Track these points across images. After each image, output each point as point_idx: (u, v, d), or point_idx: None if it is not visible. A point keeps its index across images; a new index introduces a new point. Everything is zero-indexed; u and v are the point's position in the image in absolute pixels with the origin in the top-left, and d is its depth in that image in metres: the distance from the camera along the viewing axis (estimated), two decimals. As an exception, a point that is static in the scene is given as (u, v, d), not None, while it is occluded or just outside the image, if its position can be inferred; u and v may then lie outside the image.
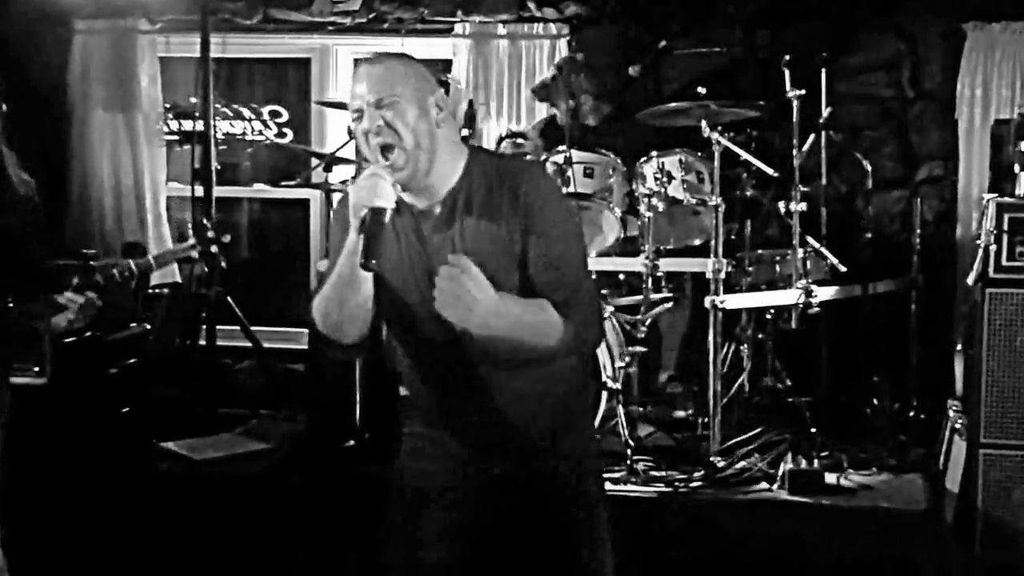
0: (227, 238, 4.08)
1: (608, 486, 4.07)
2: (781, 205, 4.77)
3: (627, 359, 4.56)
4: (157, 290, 5.67)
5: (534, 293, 2.48)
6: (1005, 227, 3.86)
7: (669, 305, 4.90)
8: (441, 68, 6.05)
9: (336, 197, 5.25)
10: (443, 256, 2.39)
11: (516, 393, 2.58)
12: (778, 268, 4.89)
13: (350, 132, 4.77)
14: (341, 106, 5.48)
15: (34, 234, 3.29)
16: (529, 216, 2.48)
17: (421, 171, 2.47)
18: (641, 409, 4.68)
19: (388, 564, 2.64)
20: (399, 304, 2.57)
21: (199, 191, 5.55)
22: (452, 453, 2.64)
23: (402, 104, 2.45)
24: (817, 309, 4.65)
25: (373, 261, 2.35)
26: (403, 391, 2.73)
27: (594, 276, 4.67)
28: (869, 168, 5.26)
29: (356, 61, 2.60)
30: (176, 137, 6.16)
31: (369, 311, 2.51)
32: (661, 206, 4.66)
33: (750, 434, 4.55)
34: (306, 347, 5.46)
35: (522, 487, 2.65)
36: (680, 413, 5.01)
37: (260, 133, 6.55)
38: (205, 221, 4.25)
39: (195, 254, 3.91)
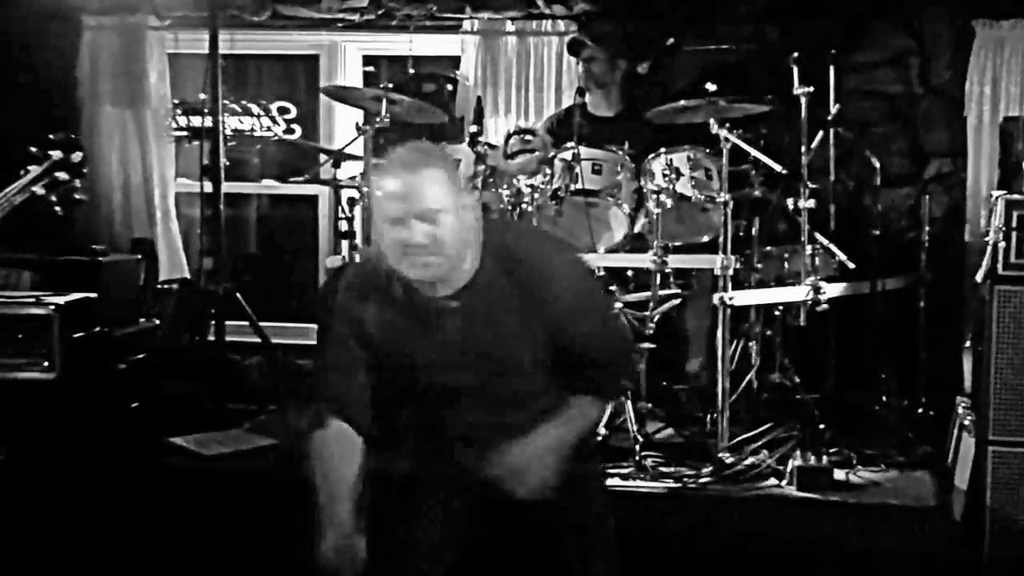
0: (77, 156, 3.79)
1: (617, 482, 4.13)
2: (790, 202, 4.75)
3: (635, 355, 4.56)
4: (166, 285, 5.69)
5: (563, 363, 2.63)
6: (1014, 224, 3.85)
7: (677, 302, 4.89)
8: (449, 65, 6.06)
9: (345, 193, 5.22)
10: (460, 344, 2.56)
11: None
12: (786, 265, 4.89)
13: (358, 128, 4.83)
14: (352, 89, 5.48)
15: None
16: (545, 292, 2.57)
17: (454, 268, 2.55)
18: (649, 405, 4.67)
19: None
20: (410, 392, 2.76)
21: (208, 187, 5.57)
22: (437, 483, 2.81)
23: (446, 215, 2.48)
24: (825, 306, 4.64)
25: None
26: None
27: (602, 273, 4.68)
28: (877, 165, 5.23)
29: (396, 159, 2.56)
30: (185, 133, 6.17)
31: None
32: (669, 203, 4.64)
33: (759, 430, 4.55)
34: (314, 342, 5.47)
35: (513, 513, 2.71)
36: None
37: (269, 129, 6.55)
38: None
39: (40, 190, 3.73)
